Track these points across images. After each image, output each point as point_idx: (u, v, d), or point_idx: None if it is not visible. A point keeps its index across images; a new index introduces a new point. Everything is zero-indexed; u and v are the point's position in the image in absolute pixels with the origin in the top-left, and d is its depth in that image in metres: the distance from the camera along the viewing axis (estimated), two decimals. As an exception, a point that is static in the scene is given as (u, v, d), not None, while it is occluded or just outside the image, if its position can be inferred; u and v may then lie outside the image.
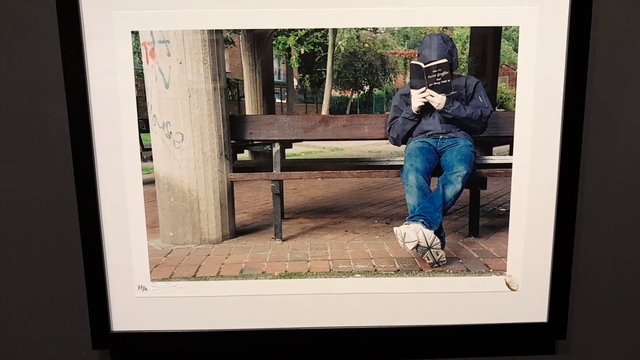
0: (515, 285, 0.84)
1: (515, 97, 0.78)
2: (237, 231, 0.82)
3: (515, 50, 0.78)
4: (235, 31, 0.77)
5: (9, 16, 0.78)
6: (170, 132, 0.80)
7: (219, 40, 0.78)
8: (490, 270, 0.83)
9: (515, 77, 0.78)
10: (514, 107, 0.79)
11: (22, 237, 0.83)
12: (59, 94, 0.79)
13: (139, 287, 0.82)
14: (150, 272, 0.82)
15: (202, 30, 0.77)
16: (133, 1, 0.76)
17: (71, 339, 0.86)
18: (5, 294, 0.85)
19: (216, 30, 0.77)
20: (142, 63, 0.78)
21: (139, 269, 0.82)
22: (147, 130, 0.80)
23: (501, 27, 0.77)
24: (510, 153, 0.80)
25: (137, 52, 0.78)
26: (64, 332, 0.86)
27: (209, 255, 0.82)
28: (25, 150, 0.81)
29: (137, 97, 0.78)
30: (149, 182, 0.80)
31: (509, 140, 0.80)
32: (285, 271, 0.81)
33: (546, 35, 0.78)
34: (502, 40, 0.78)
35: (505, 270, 0.83)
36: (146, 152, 0.80)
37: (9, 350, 0.87)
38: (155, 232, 0.81)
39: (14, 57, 0.79)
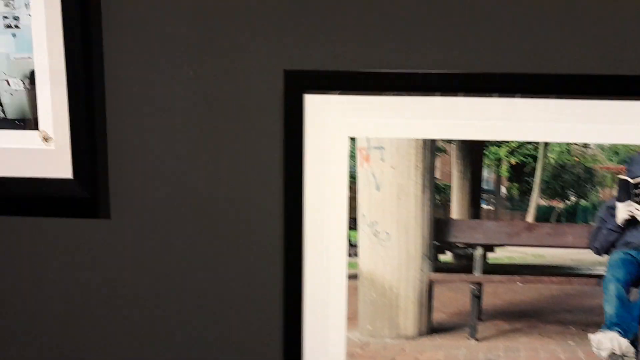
0: None
1: None
2: (432, 329, 0.91)
3: None
4: (449, 140, 0.86)
5: (238, 117, 0.90)
6: (377, 231, 0.89)
7: (432, 148, 0.87)
8: (688, 384, 0.89)
9: None
10: None
11: (231, 319, 0.95)
12: (277, 190, 0.91)
13: (335, 376, 0.92)
14: (346, 361, 0.91)
15: (417, 138, 0.86)
16: (352, 110, 0.87)
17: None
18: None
19: (430, 139, 0.86)
20: (356, 166, 0.88)
21: (335, 358, 0.92)
22: (355, 228, 0.90)
23: None
24: None
25: (352, 156, 0.88)
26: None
27: (403, 349, 0.91)
28: (239, 237, 0.93)
29: (349, 197, 0.88)
30: (351, 277, 0.90)
31: None
32: (478, 371, 0.89)
33: None
34: None
35: None
36: (352, 248, 0.90)
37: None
38: (353, 323, 0.91)
39: (239, 152, 0.91)
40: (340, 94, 0.87)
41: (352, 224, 0.90)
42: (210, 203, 0.94)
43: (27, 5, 0.89)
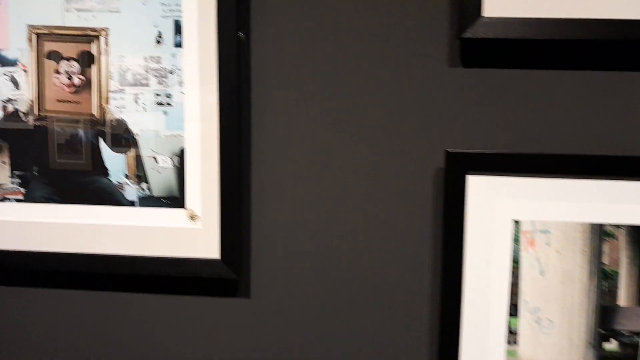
0: None
1: None
2: (594, 419, 0.87)
3: None
4: (617, 225, 0.84)
5: (393, 196, 0.89)
6: (540, 318, 0.86)
7: (599, 233, 0.84)
8: None
9: None
10: None
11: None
12: (432, 273, 0.89)
13: None
14: None
15: (584, 222, 0.84)
16: (516, 192, 0.85)
17: None
18: None
19: (598, 223, 0.84)
20: (519, 250, 0.86)
21: None
22: (515, 314, 0.87)
23: None
24: None
25: (515, 240, 0.86)
26: None
27: None
28: (387, 321, 0.91)
29: (511, 282, 0.86)
30: (510, 365, 0.87)
31: None
32: None
33: None
34: None
35: None
36: (511, 336, 0.87)
37: None
38: (511, 414, 0.87)
39: (392, 233, 0.90)
40: (504, 175, 0.85)
41: (513, 310, 0.87)
42: (356, 285, 0.92)
43: (180, 83, 0.88)
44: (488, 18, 0.82)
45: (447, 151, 0.85)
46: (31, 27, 0.89)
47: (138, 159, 0.91)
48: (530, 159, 0.85)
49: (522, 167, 0.85)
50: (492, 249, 0.87)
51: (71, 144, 0.91)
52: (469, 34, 0.82)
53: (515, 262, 0.87)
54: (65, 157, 0.91)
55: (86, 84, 0.90)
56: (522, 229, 0.86)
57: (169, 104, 0.89)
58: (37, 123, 0.91)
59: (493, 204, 0.86)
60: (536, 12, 0.82)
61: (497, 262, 0.87)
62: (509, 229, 0.86)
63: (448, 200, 0.86)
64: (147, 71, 0.88)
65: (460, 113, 0.87)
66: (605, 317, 0.87)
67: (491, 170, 0.85)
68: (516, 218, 0.86)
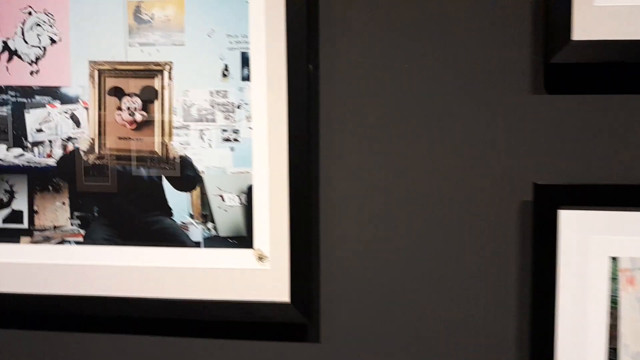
0: None
1: None
2: None
3: None
4: None
5: (476, 234, 0.83)
6: (642, 364, 0.79)
7: None
8: None
9: None
10: None
11: None
12: (520, 315, 0.83)
13: None
14: None
15: (689, 259, 0.77)
16: (614, 227, 0.79)
17: None
18: None
19: None
20: (617, 289, 0.79)
21: None
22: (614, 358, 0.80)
23: None
24: None
25: (613, 278, 0.79)
26: None
27: None
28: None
29: (609, 325, 0.79)
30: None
31: None
32: None
33: None
34: None
35: None
36: (609, 383, 0.80)
37: None
38: None
39: (473, 274, 0.84)
40: (599, 209, 0.79)
41: (612, 355, 0.80)
42: (435, 330, 0.86)
43: (248, 118, 0.84)
44: (578, 42, 0.76)
45: (536, 184, 0.80)
46: (93, 63, 0.86)
47: (203, 198, 0.86)
48: (627, 191, 0.78)
49: (618, 200, 0.79)
50: (587, 289, 0.80)
51: (131, 182, 0.87)
52: (558, 59, 0.77)
53: (614, 303, 0.80)
54: (121, 195, 0.88)
55: (149, 120, 0.86)
56: (620, 266, 0.80)
57: (236, 140, 0.85)
58: (98, 162, 0.88)
59: (587, 240, 0.80)
60: (629, 34, 0.76)
61: (593, 303, 0.80)
62: (606, 267, 0.80)
63: (537, 237, 0.80)
64: (213, 106, 0.85)
65: (548, 142, 0.81)
66: None
67: (584, 204, 0.79)
68: (613, 255, 0.80)
